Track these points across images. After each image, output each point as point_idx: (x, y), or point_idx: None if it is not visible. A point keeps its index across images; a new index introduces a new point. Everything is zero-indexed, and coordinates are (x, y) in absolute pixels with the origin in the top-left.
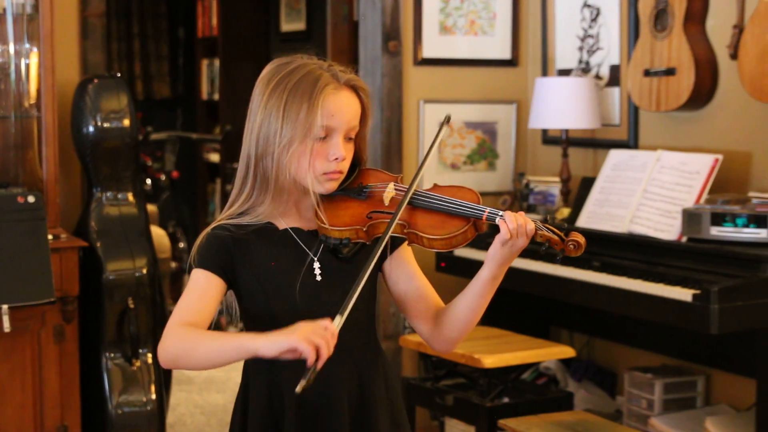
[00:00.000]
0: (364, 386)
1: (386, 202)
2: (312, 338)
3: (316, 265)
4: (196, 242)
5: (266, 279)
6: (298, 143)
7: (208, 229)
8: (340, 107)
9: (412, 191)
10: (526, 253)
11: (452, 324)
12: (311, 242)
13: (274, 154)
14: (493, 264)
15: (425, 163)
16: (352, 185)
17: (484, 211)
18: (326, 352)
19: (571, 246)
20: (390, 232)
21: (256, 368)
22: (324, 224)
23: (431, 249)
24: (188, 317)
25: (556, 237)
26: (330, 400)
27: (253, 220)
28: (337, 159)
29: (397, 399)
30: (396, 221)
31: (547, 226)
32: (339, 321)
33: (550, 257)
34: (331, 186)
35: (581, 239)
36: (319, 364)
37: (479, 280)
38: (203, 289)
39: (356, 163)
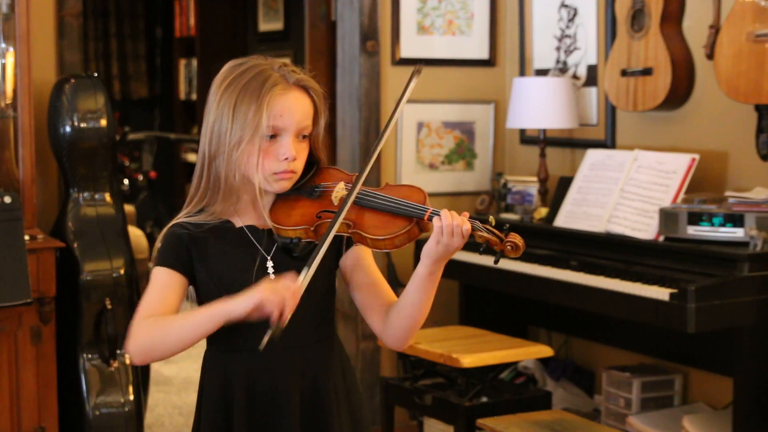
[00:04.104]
0: (318, 383)
1: (335, 201)
2: (275, 295)
3: (269, 263)
4: (156, 243)
5: (220, 276)
6: (246, 142)
7: (166, 228)
8: (289, 107)
9: (356, 191)
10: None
11: (399, 320)
12: (266, 241)
13: (225, 153)
14: (427, 261)
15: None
16: (307, 184)
17: (426, 211)
18: (289, 308)
19: (509, 246)
20: (334, 230)
21: (211, 367)
22: (269, 223)
23: (376, 249)
24: (151, 312)
25: (494, 238)
26: (279, 396)
27: (209, 219)
28: (287, 159)
29: (359, 399)
30: (341, 220)
31: (486, 226)
32: (304, 275)
33: (492, 257)
34: (284, 185)
35: (520, 241)
36: (283, 320)
37: (417, 276)
38: (164, 285)
39: (314, 162)
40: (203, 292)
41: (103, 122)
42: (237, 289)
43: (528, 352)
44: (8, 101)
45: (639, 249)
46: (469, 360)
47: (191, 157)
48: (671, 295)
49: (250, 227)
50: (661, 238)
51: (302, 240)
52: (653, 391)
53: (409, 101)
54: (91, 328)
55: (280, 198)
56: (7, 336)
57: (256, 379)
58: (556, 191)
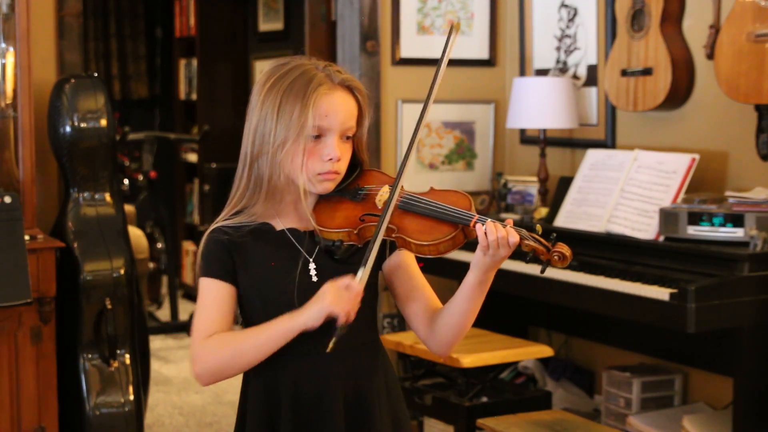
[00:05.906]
0: (361, 386)
1: (379, 204)
2: (342, 300)
3: (312, 265)
4: (199, 249)
5: (262, 280)
6: (291, 143)
7: (206, 233)
8: (334, 107)
9: (396, 194)
10: None
11: (445, 327)
12: (307, 243)
13: (269, 153)
14: (477, 270)
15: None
16: (350, 186)
17: (471, 218)
18: (354, 312)
19: (556, 257)
20: (380, 236)
21: (256, 372)
22: (314, 225)
23: (419, 255)
24: (212, 331)
25: (541, 247)
26: (324, 399)
27: (248, 220)
28: (331, 159)
29: (399, 399)
30: (385, 225)
31: (533, 236)
32: (361, 274)
33: (535, 265)
34: (327, 186)
35: (567, 251)
36: (348, 321)
37: (466, 285)
38: (217, 299)
39: (357, 164)
40: (245, 297)
41: (103, 122)
42: (280, 292)
43: (528, 352)
44: (8, 101)
45: (639, 249)
46: (469, 360)
47: (191, 157)
48: (671, 295)
49: (291, 230)
50: (661, 238)
51: (344, 243)
52: (653, 391)
53: (409, 101)
54: (91, 328)
55: (323, 200)
56: (7, 336)
57: (302, 383)
58: (556, 191)
